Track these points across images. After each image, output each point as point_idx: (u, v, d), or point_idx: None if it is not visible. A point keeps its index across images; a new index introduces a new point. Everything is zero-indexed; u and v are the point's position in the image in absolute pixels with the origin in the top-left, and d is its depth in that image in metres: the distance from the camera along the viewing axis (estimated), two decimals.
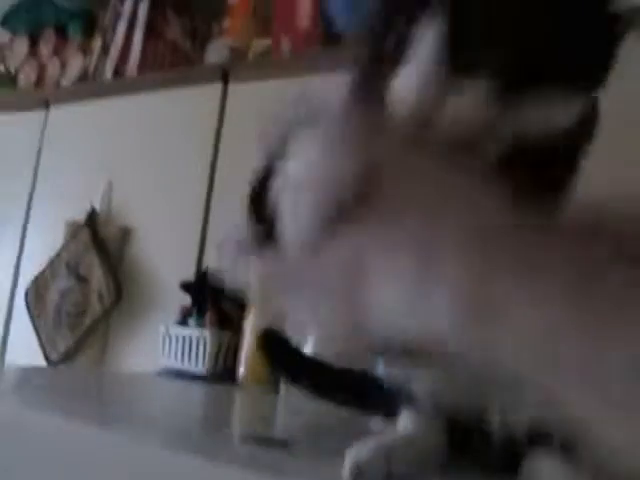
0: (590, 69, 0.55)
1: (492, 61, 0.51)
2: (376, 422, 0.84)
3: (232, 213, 1.66)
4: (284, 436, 0.82)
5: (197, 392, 1.46)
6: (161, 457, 0.62)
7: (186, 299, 1.70)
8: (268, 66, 1.85)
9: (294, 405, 1.24)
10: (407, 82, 0.53)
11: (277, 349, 1.06)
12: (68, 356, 1.91)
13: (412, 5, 0.54)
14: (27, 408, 0.80)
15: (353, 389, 0.90)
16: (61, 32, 2.42)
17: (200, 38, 2.22)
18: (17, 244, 2.21)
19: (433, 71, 0.51)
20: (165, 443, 0.65)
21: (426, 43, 0.52)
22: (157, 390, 1.44)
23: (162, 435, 0.72)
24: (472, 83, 0.51)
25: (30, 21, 2.47)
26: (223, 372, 1.57)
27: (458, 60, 0.51)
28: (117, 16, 2.25)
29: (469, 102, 0.51)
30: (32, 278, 2.03)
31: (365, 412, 0.84)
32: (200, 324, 1.60)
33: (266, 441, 0.72)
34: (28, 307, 2.02)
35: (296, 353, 1.09)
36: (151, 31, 2.17)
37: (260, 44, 1.95)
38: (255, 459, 0.61)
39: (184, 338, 1.60)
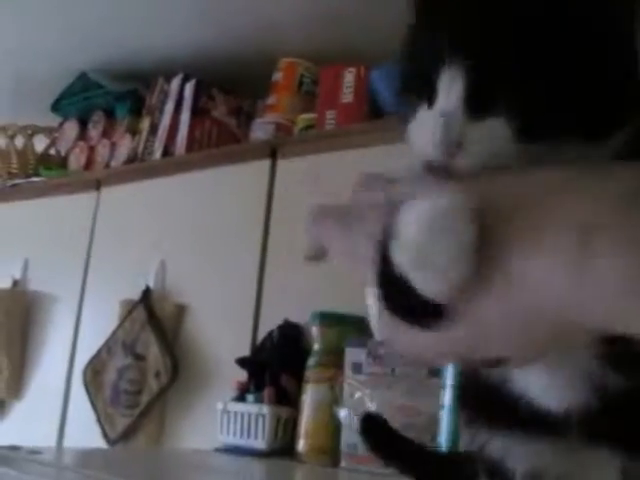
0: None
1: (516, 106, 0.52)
2: None
3: (284, 287, 1.71)
4: None
5: (258, 467, 1.48)
6: None
7: (242, 374, 1.73)
8: (315, 140, 1.90)
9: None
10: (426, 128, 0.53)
11: (377, 433, 1.07)
12: (126, 435, 1.94)
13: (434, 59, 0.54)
14: None
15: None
16: (109, 114, 2.52)
17: (245, 116, 2.31)
18: (73, 324, 2.27)
19: (453, 116, 0.52)
20: None
21: (446, 90, 0.52)
22: (218, 466, 1.47)
23: None
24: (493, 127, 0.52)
25: (79, 105, 2.57)
26: (282, 447, 1.59)
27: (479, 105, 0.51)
28: (164, 97, 2.33)
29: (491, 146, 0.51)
30: (89, 357, 2.08)
31: None
32: (258, 400, 1.63)
33: None
34: (86, 386, 2.06)
35: (397, 437, 1.11)
36: (197, 110, 2.24)
37: (305, 119, 2.01)
38: None
39: (242, 415, 1.62)
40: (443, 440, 1.26)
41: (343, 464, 1.44)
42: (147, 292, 2.03)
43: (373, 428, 1.06)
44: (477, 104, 0.50)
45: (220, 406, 1.67)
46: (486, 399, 0.63)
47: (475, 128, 0.50)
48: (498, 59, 0.50)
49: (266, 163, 1.95)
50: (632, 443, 0.59)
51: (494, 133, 0.50)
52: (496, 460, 0.64)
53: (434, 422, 1.31)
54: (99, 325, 2.15)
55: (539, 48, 0.50)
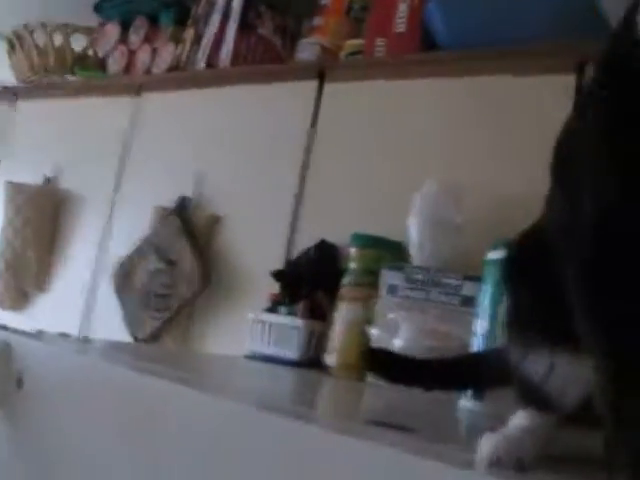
0: None
1: None
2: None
3: (322, 207, 1.78)
4: (400, 422, 0.90)
5: (290, 375, 1.57)
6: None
7: (273, 287, 1.81)
8: (365, 67, 1.94)
9: (382, 392, 1.34)
10: None
11: (381, 361, 1.17)
12: (154, 336, 2.03)
13: None
14: (139, 374, 0.92)
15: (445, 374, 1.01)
16: (153, 21, 2.55)
17: (290, 35, 2.34)
18: (102, 226, 2.34)
19: None
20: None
21: None
22: (255, 370, 1.56)
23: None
24: None
25: (123, 9, 2.59)
26: (311, 359, 1.68)
27: None
28: (211, 8, 2.36)
29: None
30: (120, 259, 2.16)
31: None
32: (291, 312, 1.71)
33: (386, 425, 0.80)
34: (116, 286, 2.14)
35: (398, 357, 1.21)
36: (244, 25, 2.28)
37: (352, 45, 2.04)
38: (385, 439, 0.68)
39: (275, 325, 1.71)
40: None
41: (369, 379, 1.52)
42: (183, 200, 2.10)
43: (379, 361, 1.16)
44: None
45: (252, 316, 1.75)
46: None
47: None
48: None
49: (313, 84, 2.00)
50: None
51: None
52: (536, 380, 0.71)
53: (465, 348, 1.40)
54: (130, 229, 2.23)
55: None
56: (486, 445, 0.65)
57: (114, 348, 1.52)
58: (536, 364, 0.72)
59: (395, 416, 1.06)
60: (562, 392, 0.71)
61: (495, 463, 0.63)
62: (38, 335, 1.20)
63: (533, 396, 0.73)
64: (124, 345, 1.76)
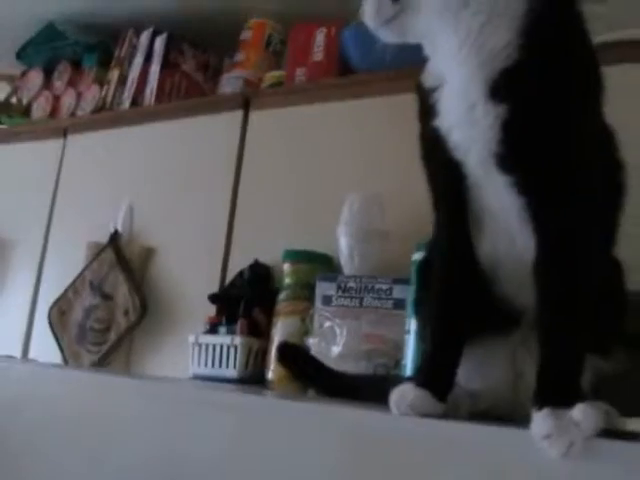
0: None
1: None
2: None
3: (253, 230, 1.86)
4: None
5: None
6: None
7: (210, 311, 1.88)
8: (287, 93, 2.05)
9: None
10: None
11: (295, 358, 1.32)
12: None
13: None
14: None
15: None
16: (76, 65, 2.62)
17: (212, 71, 2.45)
18: (36, 267, 2.38)
19: None
20: None
21: None
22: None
23: None
24: None
25: (45, 54, 2.65)
26: (253, 375, 1.74)
27: None
28: (134, 49, 2.45)
29: None
30: (56, 297, 2.19)
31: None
32: (230, 332, 1.78)
33: None
34: (51, 326, 2.17)
35: (311, 360, 1.35)
36: (167, 63, 2.37)
37: (273, 76, 2.16)
38: None
39: (214, 346, 1.77)
40: (408, 362, 1.42)
41: (310, 393, 1.58)
42: (115, 234, 2.15)
43: (289, 353, 1.31)
44: None
45: (192, 339, 1.81)
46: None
47: None
48: None
49: (238, 114, 2.09)
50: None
51: None
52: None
53: (399, 349, 1.49)
54: (63, 268, 2.26)
55: None
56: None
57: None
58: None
59: None
60: None
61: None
62: None
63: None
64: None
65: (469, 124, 0.76)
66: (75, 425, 0.94)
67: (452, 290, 0.83)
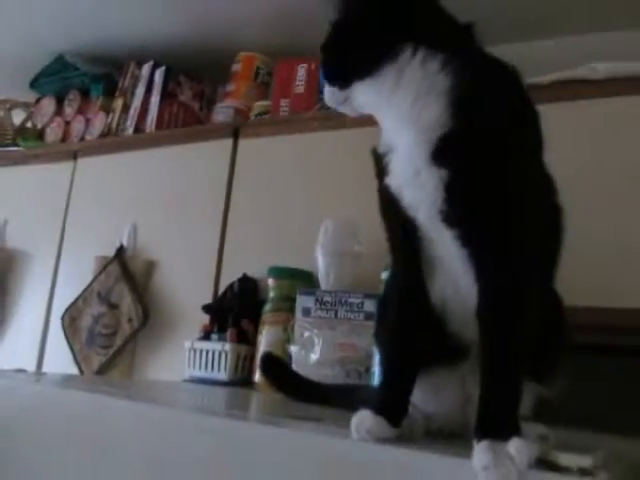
0: None
1: None
2: None
3: (242, 246, 1.87)
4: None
5: (222, 392, 1.64)
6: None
7: (205, 319, 1.90)
8: (272, 124, 2.07)
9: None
10: None
11: (275, 369, 1.33)
12: (101, 371, 2.10)
13: None
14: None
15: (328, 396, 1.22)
16: (84, 94, 2.66)
17: (207, 100, 2.46)
18: (50, 278, 2.41)
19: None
20: None
21: None
22: (192, 389, 1.62)
23: None
24: None
25: (56, 84, 2.69)
26: (241, 378, 1.77)
27: None
28: (136, 80, 2.47)
29: None
30: (67, 305, 2.22)
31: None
32: (221, 339, 1.80)
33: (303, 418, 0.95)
34: (64, 331, 2.20)
35: (289, 371, 1.37)
36: (166, 94, 2.40)
37: (261, 106, 2.17)
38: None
39: (207, 351, 1.79)
40: (376, 370, 1.44)
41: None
42: (121, 249, 2.18)
43: (270, 365, 1.33)
44: None
45: (188, 345, 1.84)
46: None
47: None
48: None
49: (229, 142, 2.13)
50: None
51: None
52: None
53: (369, 357, 1.52)
54: (74, 280, 2.30)
55: None
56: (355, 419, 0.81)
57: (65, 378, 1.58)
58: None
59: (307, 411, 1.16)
60: None
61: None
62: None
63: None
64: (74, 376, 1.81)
65: (416, 187, 0.78)
66: (67, 444, 0.95)
67: (405, 327, 0.85)
